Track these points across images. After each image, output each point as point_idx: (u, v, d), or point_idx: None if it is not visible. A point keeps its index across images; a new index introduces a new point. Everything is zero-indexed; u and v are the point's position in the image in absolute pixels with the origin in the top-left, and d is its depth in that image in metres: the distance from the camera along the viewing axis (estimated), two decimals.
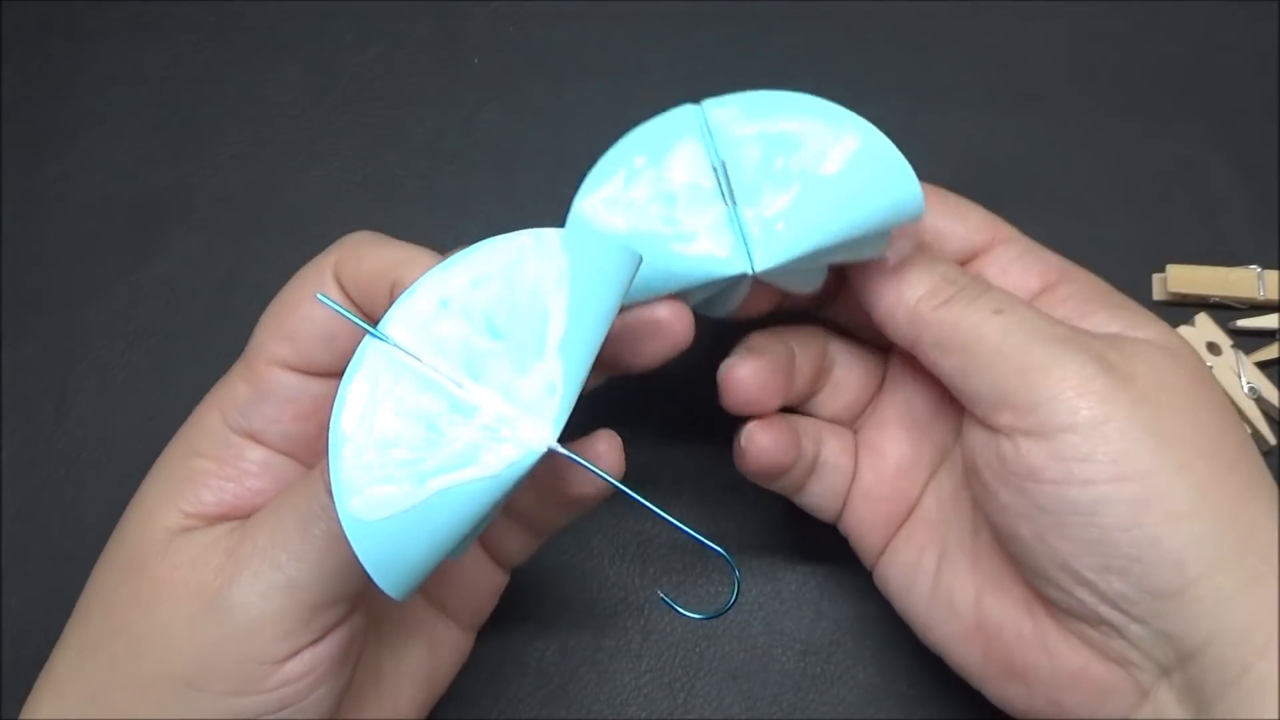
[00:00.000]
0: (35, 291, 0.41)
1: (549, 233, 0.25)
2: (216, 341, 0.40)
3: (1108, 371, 0.26)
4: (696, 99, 0.31)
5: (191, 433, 0.29)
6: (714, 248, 0.28)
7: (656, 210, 0.28)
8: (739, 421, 0.31)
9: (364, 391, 0.24)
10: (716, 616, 0.33)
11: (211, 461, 0.28)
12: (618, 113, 0.44)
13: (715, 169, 0.29)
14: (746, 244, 0.28)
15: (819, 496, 0.32)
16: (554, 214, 0.42)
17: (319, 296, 0.26)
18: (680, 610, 0.27)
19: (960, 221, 0.32)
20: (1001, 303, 0.28)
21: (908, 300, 0.29)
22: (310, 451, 0.29)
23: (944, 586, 0.30)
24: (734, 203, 0.28)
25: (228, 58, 0.45)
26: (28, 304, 0.41)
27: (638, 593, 0.36)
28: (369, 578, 0.23)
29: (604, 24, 0.45)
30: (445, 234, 0.42)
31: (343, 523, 0.23)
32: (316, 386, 0.28)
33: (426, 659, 0.31)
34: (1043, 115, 0.43)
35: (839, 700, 0.36)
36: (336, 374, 0.25)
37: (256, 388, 0.28)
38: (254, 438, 0.28)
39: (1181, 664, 0.25)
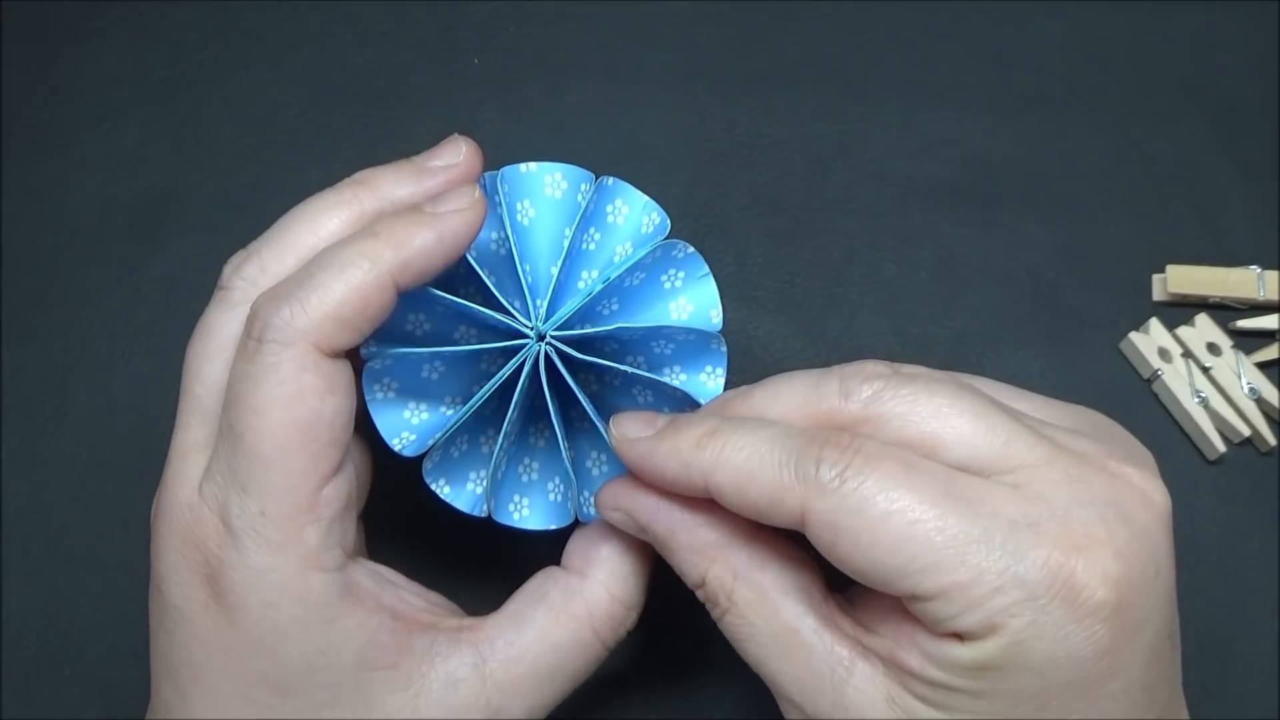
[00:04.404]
0: (35, 291, 0.41)
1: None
2: None
3: None
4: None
5: (291, 606, 0.27)
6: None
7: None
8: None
9: None
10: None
11: (355, 616, 0.28)
12: (618, 113, 0.45)
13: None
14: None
15: None
16: None
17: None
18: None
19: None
20: None
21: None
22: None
23: None
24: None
25: (228, 58, 0.45)
26: (28, 304, 0.41)
27: None
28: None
29: (604, 24, 0.45)
30: None
31: None
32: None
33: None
34: (1043, 115, 0.43)
35: None
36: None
37: (320, 523, 0.27)
38: (348, 551, 0.28)
39: None
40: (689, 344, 0.31)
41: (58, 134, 0.44)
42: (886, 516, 0.24)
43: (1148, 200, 0.42)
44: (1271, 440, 0.38)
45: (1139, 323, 0.40)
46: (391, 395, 0.30)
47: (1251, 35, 0.45)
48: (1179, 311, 0.40)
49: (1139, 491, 0.25)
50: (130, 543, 0.38)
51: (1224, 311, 0.40)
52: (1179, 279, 0.40)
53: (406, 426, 0.31)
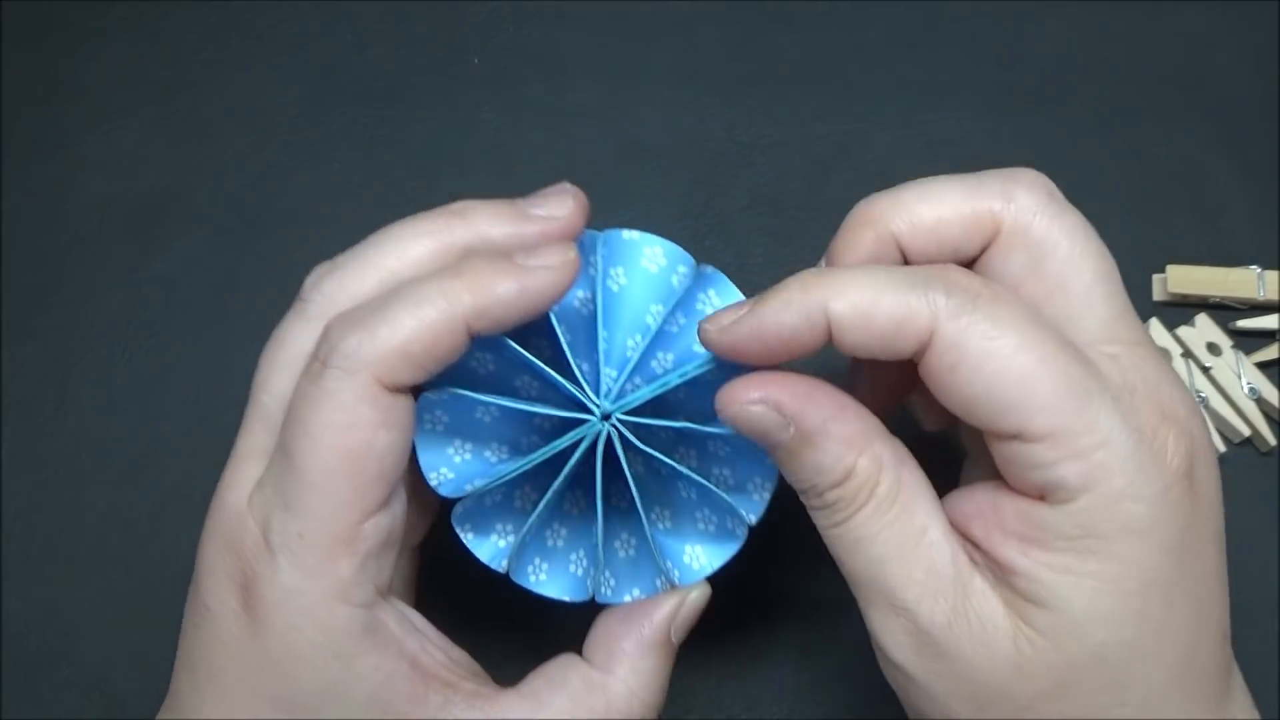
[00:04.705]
0: (35, 291, 0.41)
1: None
2: (216, 341, 0.41)
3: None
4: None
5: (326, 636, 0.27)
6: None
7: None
8: None
9: None
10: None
11: (375, 657, 0.27)
12: (618, 113, 0.45)
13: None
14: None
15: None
16: None
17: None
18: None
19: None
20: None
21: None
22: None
23: None
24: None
25: (228, 58, 0.45)
26: (28, 304, 0.41)
27: None
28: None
29: (604, 24, 0.45)
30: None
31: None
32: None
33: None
34: (1043, 115, 0.43)
35: (839, 700, 0.36)
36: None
37: (355, 556, 0.27)
38: (382, 591, 0.28)
39: None
40: (744, 452, 0.30)
41: (58, 134, 0.44)
42: (1016, 348, 0.24)
43: (1148, 200, 0.42)
44: (1271, 440, 0.38)
45: None
46: (439, 429, 0.30)
47: (1251, 35, 0.45)
48: (1179, 311, 0.40)
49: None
50: (130, 543, 0.38)
51: (1224, 311, 0.40)
52: (1179, 279, 0.40)
53: (448, 464, 0.30)
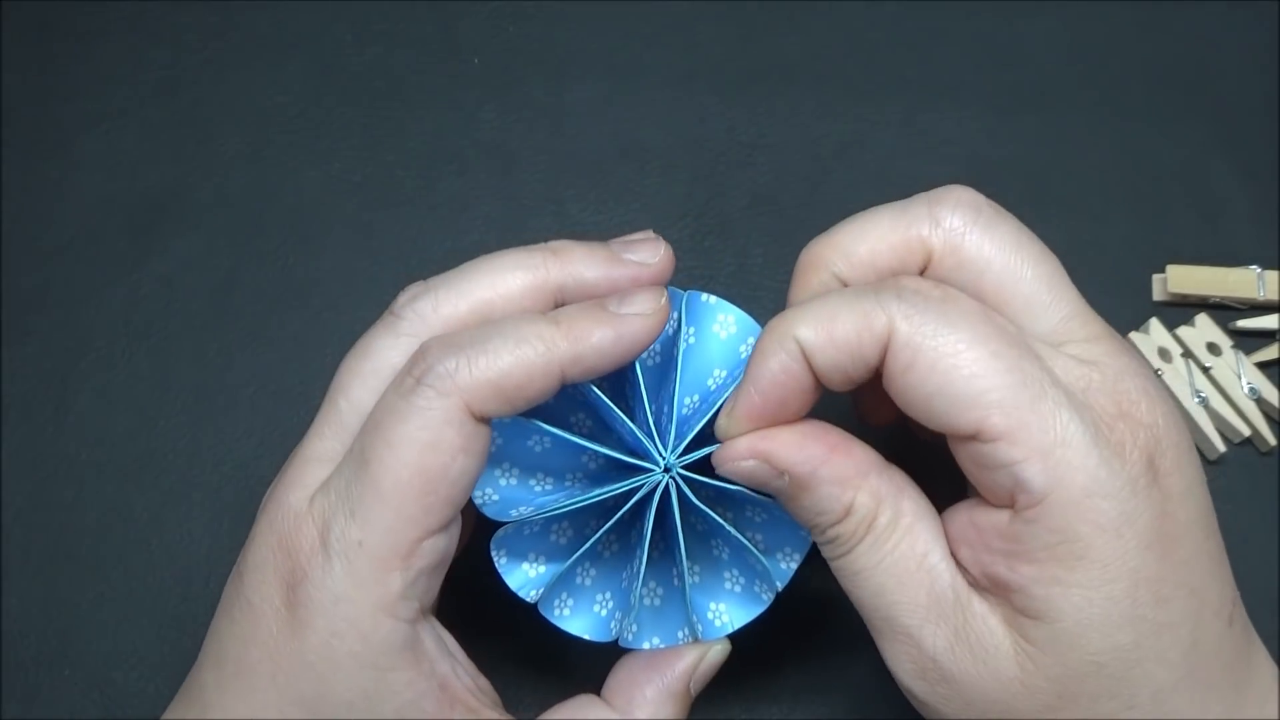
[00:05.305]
0: (35, 291, 0.41)
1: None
2: (216, 341, 0.41)
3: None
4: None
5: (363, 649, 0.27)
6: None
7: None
8: None
9: None
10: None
11: (408, 673, 0.27)
12: (618, 113, 0.45)
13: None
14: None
15: None
16: (553, 214, 0.42)
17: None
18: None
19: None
20: None
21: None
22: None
23: None
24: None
25: (228, 58, 0.45)
26: (28, 304, 0.41)
27: None
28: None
29: (604, 24, 0.45)
30: (445, 234, 0.42)
31: None
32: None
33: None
34: (1043, 115, 0.43)
35: (839, 700, 0.36)
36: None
37: (409, 572, 0.27)
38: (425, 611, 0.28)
39: None
40: (781, 521, 0.31)
41: (58, 134, 0.44)
42: (970, 343, 0.25)
43: (1148, 200, 0.42)
44: (1271, 440, 0.38)
45: (1139, 323, 0.40)
46: (491, 450, 0.30)
47: (1251, 35, 0.45)
48: (1179, 311, 0.40)
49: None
50: (130, 543, 0.38)
51: (1224, 311, 0.40)
52: (1179, 279, 0.40)
53: (494, 485, 0.30)
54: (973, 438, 0.25)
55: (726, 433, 0.28)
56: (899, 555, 0.26)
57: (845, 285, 0.28)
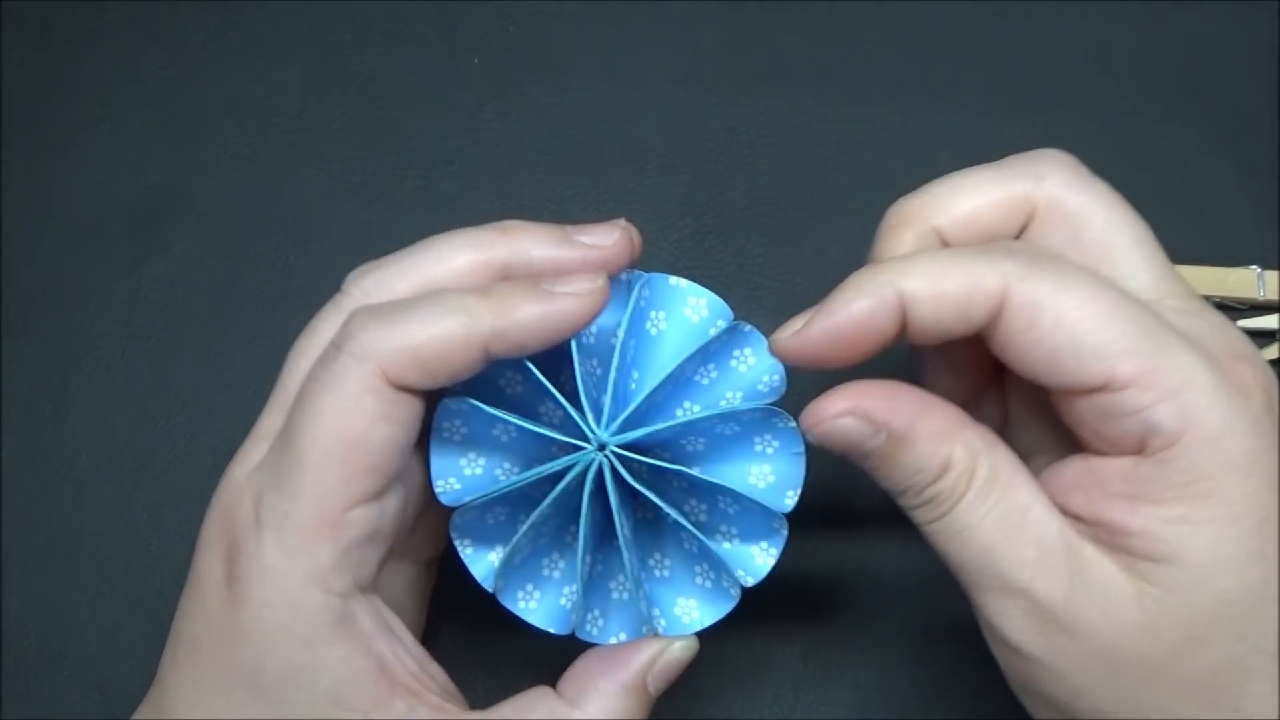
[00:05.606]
0: (35, 291, 0.41)
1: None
2: (216, 341, 0.41)
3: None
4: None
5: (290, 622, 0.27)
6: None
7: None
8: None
9: None
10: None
11: (341, 649, 0.27)
12: (618, 113, 0.45)
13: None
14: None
15: None
16: (553, 214, 0.42)
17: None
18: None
19: None
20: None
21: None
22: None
23: None
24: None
25: (228, 58, 0.45)
26: (28, 304, 0.41)
27: None
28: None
29: (604, 24, 0.45)
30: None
31: None
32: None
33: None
34: (1043, 115, 0.43)
35: (839, 700, 0.36)
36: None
37: (337, 544, 0.27)
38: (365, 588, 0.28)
39: None
40: (753, 512, 0.30)
41: (58, 134, 0.44)
42: (1087, 298, 0.25)
43: (1148, 200, 0.42)
44: None
45: None
46: (456, 439, 0.30)
47: (1251, 35, 0.45)
48: None
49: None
50: (130, 543, 0.38)
51: (1224, 311, 0.40)
52: None
53: (457, 474, 0.30)
54: (1101, 389, 0.25)
55: (785, 348, 0.27)
56: (1004, 508, 0.26)
57: (944, 242, 0.28)
